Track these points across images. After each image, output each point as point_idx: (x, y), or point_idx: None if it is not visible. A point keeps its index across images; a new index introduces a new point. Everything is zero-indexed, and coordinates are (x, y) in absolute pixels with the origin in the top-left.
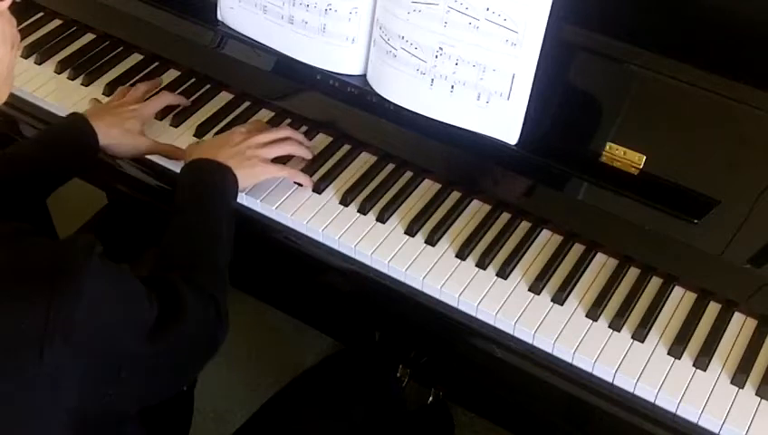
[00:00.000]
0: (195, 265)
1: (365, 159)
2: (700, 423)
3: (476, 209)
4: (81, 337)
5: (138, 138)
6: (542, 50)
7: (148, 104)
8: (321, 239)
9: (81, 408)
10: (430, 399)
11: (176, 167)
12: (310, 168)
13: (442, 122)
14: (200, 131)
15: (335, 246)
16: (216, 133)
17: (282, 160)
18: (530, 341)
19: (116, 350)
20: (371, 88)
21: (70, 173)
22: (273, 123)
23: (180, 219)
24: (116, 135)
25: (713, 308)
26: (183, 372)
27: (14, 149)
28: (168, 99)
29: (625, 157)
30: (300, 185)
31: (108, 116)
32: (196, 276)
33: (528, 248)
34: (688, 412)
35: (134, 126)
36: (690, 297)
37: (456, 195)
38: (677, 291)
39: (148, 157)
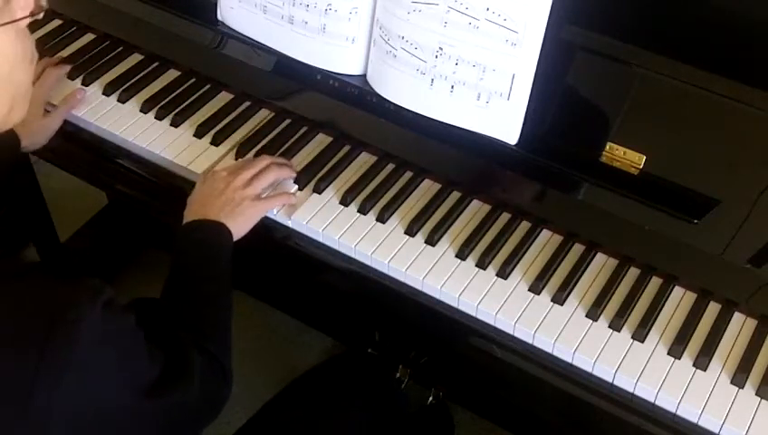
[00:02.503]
0: (202, 331)
1: (365, 159)
2: (700, 423)
3: (476, 209)
4: (70, 388)
5: (44, 122)
6: (542, 50)
7: (41, 84)
8: (321, 239)
9: None
10: (430, 399)
11: (177, 167)
12: (310, 168)
13: (442, 122)
14: (200, 131)
15: (335, 247)
16: (216, 133)
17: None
18: (530, 341)
19: (106, 406)
20: (371, 88)
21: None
22: (274, 123)
23: (182, 287)
24: (29, 132)
25: (713, 308)
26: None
27: None
28: (55, 73)
29: (625, 157)
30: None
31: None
32: (205, 342)
33: (528, 248)
34: (688, 412)
35: (37, 112)
36: (690, 297)
37: (456, 195)
38: (677, 291)
39: (149, 158)
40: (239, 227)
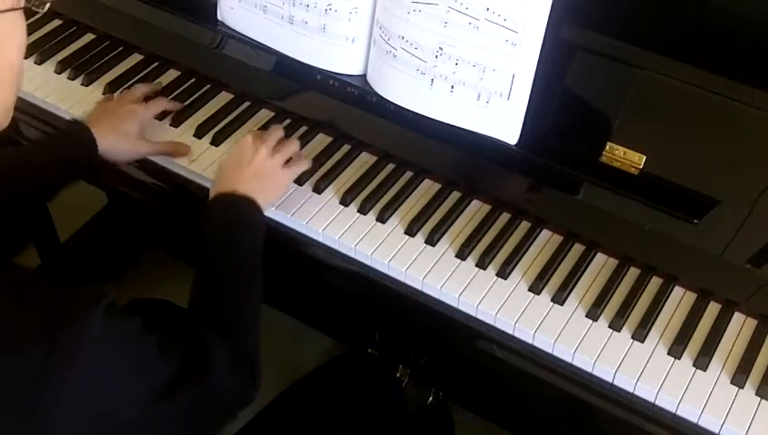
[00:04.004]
0: (231, 319)
1: (365, 159)
2: (700, 423)
3: (476, 209)
4: (76, 393)
5: (136, 142)
6: (542, 50)
7: (148, 106)
8: (321, 239)
9: None
10: (430, 399)
11: (176, 167)
12: (310, 168)
13: (442, 122)
14: (200, 131)
15: (335, 246)
16: (216, 133)
17: None
18: (530, 341)
19: (115, 409)
20: (371, 88)
21: (68, 179)
22: (273, 123)
23: (213, 267)
24: (114, 140)
25: (713, 308)
26: (206, 429)
27: (13, 154)
28: (164, 104)
29: (625, 157)
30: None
31: (106, 122)
32: (233, 334)
33: (528, 248)
34: (688, 412)
35: (132, 129)
36: (690, 297)
37: (456, 195)
38: (677, 291)
39: (149, 157)
40: (270, 197)
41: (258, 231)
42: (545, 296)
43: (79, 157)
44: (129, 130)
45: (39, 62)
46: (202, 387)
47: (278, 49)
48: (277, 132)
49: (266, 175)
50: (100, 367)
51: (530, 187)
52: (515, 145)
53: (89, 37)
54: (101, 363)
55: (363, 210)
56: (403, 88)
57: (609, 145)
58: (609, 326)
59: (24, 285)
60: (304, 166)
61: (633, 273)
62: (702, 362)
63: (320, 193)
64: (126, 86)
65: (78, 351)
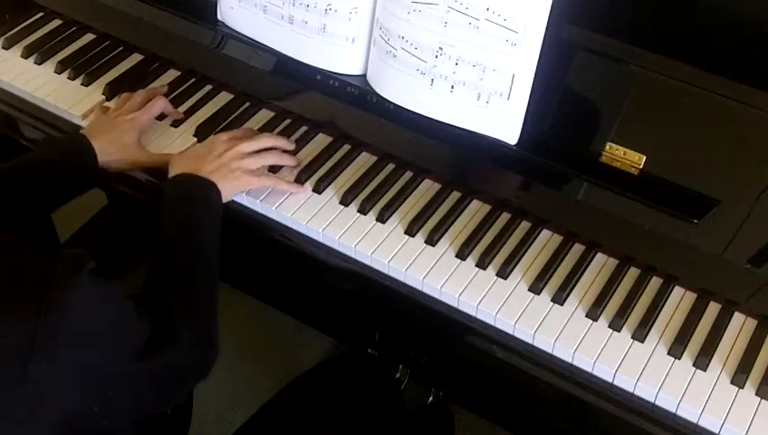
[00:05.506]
0: (187, 292)
1: (365, 159)
2: (700, 423)
3: (476, 209)
4: (67, 353)
5: (135, 152)
6: (542, 50)
7: (144, 112)
8: (321, 239)
9: (67, 423)
10: (430, 399)
11: None
12: (310, 168)
13: (442, 122)
14: (200, 131)
15: (335, 246)
16: (216, 133)
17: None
18: (530, 341)
19: (102, 367)
20: (371, 88)
21: (69, 193)
22: (274, 123)
23: (169, 243)
24: (114, 152)
25: (713, 308)
26: (171, 394)
27: (12, 166)
28: (162, 104)
29: (625, 157)
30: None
31: (105, 134)
32: (190, 303)
33: (528, 248)
34: (688, 412)
35: (131, 139)
36: (690, 297)
37: (455, 195)
38: (677, 291)
39: None
40: (227, 192)
41: (214, 213)
42: (545, 296)
43: (80, 170)
44: (128, 141)
45: (39, 63)
46: (171, 354)
47: (278, 49)
48: (262, 141)
49: (230, 171)
50: (89, 325)
51: (530, 187)
52: (515, 145)
53: (89, 37)
54: (90, 321)
55: (363, 210)
56: (403, 88)
57: (609, 145)
58: (609, 326)
59: (10, 249)
60: (285, 187)
61: (633, 273)
62: (702, 362)
63: (320, 193)
64: (126, 87)
65: (67, 310)
